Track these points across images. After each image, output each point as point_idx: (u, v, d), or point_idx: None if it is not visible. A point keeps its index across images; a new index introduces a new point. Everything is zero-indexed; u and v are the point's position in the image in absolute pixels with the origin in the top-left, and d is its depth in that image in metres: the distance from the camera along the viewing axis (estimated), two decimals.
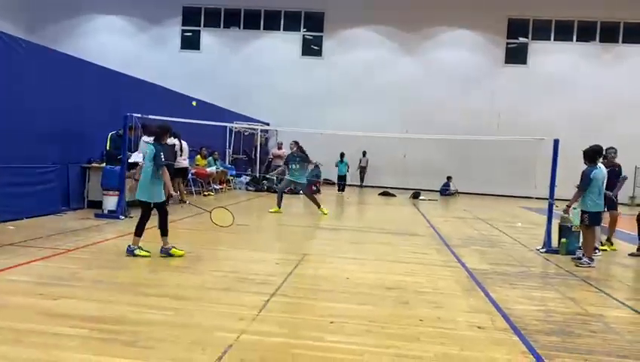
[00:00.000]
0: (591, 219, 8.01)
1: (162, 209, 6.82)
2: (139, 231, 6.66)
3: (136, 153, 11.41)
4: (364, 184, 24.16)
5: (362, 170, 24.19)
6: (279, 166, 21.32)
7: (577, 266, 7.72)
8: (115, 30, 25.95)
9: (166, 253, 6.66)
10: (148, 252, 6.60)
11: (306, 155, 13.00)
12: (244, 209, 13.37)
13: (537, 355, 4.01)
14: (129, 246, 6.62)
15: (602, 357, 4.08)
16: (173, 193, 7.18)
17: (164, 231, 6.76)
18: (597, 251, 8.60)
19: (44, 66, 9.65)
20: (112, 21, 26.00)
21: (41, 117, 9.53)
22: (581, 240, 8.41)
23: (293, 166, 12.70)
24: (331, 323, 4.50)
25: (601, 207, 8.17)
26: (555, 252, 8.74)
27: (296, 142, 13.11)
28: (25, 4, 25.56)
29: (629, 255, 8.94)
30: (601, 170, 8.17)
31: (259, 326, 4.30)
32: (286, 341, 4.03)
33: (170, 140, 11.47)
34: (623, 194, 17.56)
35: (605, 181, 8.34)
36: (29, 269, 5.71)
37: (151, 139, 11.38)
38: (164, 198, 6.85)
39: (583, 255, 7.93)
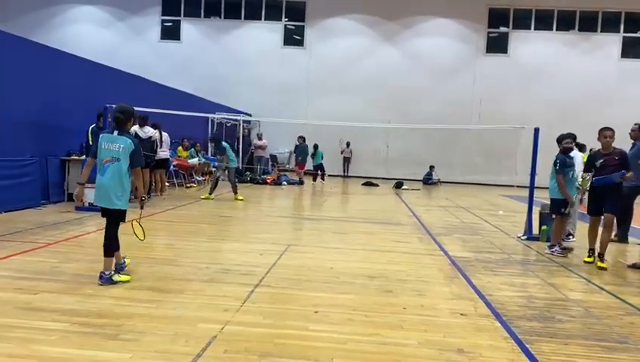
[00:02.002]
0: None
1: (120, 218, 5.25)
2: (114, 246, 5.21)
3: None
4: (348, 174, 24.14)
5: (346, 160, 24.13)
6: (262, 157, 21.31)
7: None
8: (92, 20, 25.50)
9: (108, 280, 5.03)
10: (129, 276, 5.27)
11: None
12: (227, 200, 13.29)
13: (519, 340, 4.07)
14: (104, 273, 5.06)
15: (581, 341, 4.15)
16: (144, 196, 5.54)
17: (111, 248, 5.19)
18: (570, 237, 8.75)
19: (21, 57, 9.45)
20: (89, 11, 25.54)
21: (19, 109, 9.35)
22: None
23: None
24: (315, 312, 4.51)
25: (552, 194, 7.91)
26: (536, 239, 8.87)
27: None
28: None
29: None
30: (559, 156, 7.88)
31: (243, 317, 4.29)
32: (270, 331, 4.02)
33: (147, 131, 11.31)
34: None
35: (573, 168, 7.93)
36: (9, 263, 5.61)
37: (134, 128, 11.31)
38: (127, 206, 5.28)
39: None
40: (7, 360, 3.30)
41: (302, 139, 19.74)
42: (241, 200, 12.71)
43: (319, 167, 20.10)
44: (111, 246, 5.15)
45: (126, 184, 5.19)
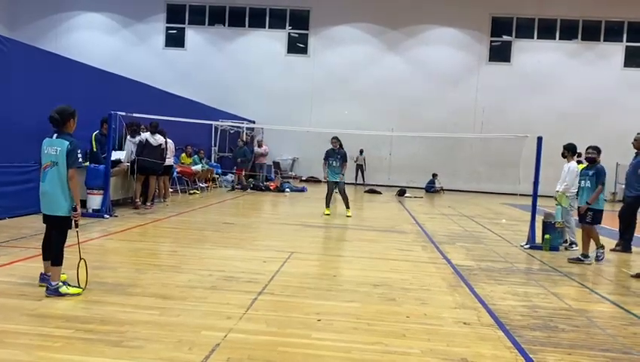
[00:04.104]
0: None
1: (64, 226, 4.95)
2: (60, 257, 4.89)
3: (119, 151, 11.35)
4: (365, 182, 23.83)
5: (360, 168, 23.97)
6: (263, 164, 21.26)
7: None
8: (98, 27, 25.67)
9: (54, 291, 4.77)
10: (80, 288, 4.89)
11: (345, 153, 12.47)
12: (230, 207, 13.33)
13: (522, 350, 4.06)
14: (50, 283, 4.78)
15: (585, 351, 4.14)
16: (79, 210, 4.97)
17: (57, 259, 4.89)
18: (574, 246, 8.84)
19: (26, 64, 9.51)
20: (95, 18, 25.72)
21: (23, 115, 9.39)
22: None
23: (334, 163, 12.23)
24: (318, 320, 4.51)
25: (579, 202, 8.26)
26: (539, 248, 8.86)
27: (337, 138, 12.47)
28: (5, 1, 25.20)
29: (611, 250, 9.08)
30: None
31: (246, 325, 4.30)
32: (273, 339, 4.03)
33: (157, 139, 11.38)
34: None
35: (576, 177, 8.67)
36: (12, 270, 5.63)
37: (136, 139, 11.36)
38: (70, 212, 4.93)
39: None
40: None
41: (242, 142, 19.23)
42: (349, 216, 12.10)
43: None
44: (56, 257, 4.84)
45: (66, 189, 4.86)
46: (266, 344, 3.92)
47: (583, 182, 8.14)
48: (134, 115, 10.97)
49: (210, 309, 4.65)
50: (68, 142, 4.88)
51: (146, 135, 11.28)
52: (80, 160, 4.97)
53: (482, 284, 6.16)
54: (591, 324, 4.86)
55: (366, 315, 4.72)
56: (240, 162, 18.51)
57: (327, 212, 12.30)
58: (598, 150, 8.14)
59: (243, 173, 18.75)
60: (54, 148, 4.89)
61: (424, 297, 5.46)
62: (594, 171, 7.96)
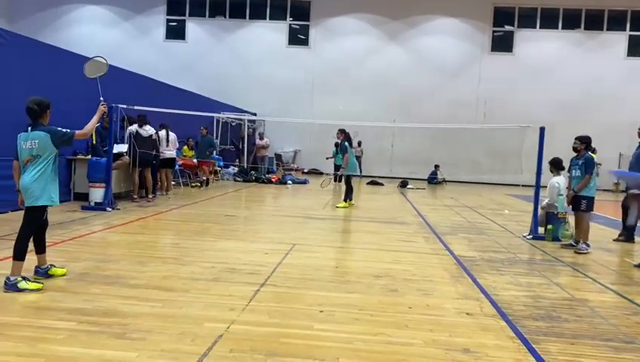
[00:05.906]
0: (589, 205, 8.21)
1: (31, 217, 5.00)
2: (22, 251, 4.81)
3: (121, 144, 11.33)
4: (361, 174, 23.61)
5: (357, 159, 23.75)
6: (264, 156, 21.19)
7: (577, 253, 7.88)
8: (98, 20, 25.58)
9: (44, 274, 5.07)
10: (41, 283, 4.83)
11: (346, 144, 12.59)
12: (232, 199, 13.33)
13: (525, 340, 4.06)
14: (8, 278, 4.68)
15: (588, 341, 4.14)
16: (103, 107, 5.95)
17: (43, 247, 5.19)
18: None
19: (27, 57, 9.48)
20: (95, 11, 25.62)
21: (24, 108, 9.37)
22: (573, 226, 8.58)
23: (340, 155, 12.83)
24: (321, 311, 4.51)
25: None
26: (542, 238, 8.85)
27: (342, 131, 12.71)
28: None
29: (614, 240, 9.06)
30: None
31: (249, 316, 4.30)
32: (276, 330, 4.03)
33: (147, 130, 11.28)
34: (605, 181, 17.72)
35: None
36: None
37: (133, 128, 11.32)
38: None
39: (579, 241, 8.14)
40: (15, 359, 3.32)
41: (205, 130, 16.58)
42: (340, 207, 12.19)
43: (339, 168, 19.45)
44: (17, 251, 4.77)
45: (47, 180, 4.90)
46: (269, 335, 3.92)
47: (573, 171, 8.31)
48: (135, 107, 10.94)
49: (212, 301, 4.66)
50: (45, 133, 4.92)
51: (133, 127, 11.20)
52: (65, 129, 5.09)
53: (485, 275, 6.16)
54: (594, 314, 4.86)
55: (368, 306, 4.72)
56: (208, 154, 16.05)
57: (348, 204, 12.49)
58: (582, 140, 8.30)
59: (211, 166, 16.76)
60: (33, 141, 4.90)
61: (426, 288, 5.46)
62: (583, 161, 8.15)
